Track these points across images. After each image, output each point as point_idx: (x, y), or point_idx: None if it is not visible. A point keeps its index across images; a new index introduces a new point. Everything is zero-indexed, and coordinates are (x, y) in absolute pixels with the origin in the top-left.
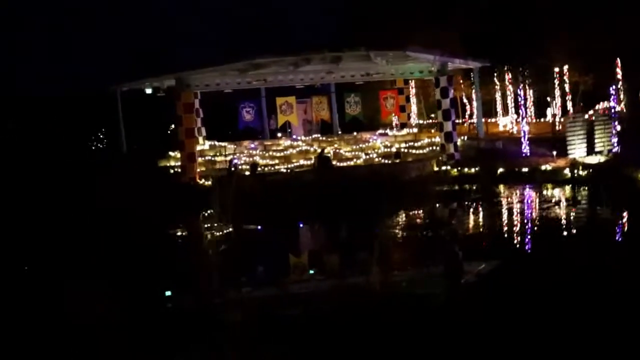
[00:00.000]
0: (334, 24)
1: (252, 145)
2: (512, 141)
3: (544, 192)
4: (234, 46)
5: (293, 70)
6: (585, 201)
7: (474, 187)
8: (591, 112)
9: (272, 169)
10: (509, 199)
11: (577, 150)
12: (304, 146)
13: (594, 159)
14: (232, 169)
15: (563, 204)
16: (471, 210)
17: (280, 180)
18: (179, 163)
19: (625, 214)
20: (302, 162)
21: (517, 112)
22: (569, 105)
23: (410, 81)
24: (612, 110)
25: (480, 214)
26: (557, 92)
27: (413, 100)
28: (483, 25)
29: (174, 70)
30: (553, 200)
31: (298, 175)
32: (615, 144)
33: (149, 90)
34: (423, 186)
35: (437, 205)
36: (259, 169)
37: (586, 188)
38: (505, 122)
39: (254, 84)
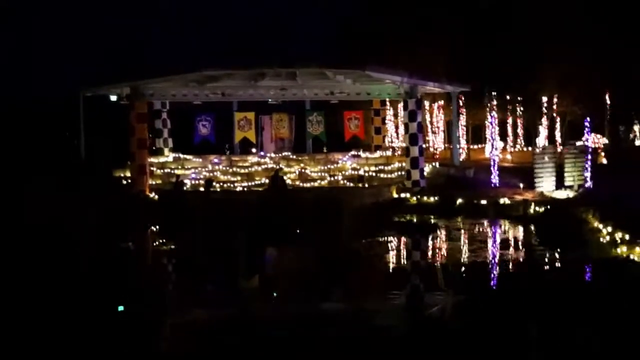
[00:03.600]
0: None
1: (216, 160)
2: (486, 170)
3: (489, 229)
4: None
5: (253, 84)
6: (521, 241)
7: (422, 219)
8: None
9: (232, 186)
10: (450, 234)
11: (545, 183)
12: (270, 164)
13: (562, 194)
14: (179, 185)
15: (497, 242)
16: (396, 245)
17: (228, 200)
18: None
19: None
20: (264, 180)
21: (502, 140)
22: (557, 134)
23: (387, 102)
24: (586, 144)
25: (401, 250)
26: (545, 121)
27: (391, 122)
28: (474, 49)
29: (129, 78)
30: (491, 238)
31: (248, 196)
32: (588, 179)
33: (113, 97)
34: (372, 215)
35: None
36: (217, 185)
37: (534, 227)
38: (493, 149)
39: (211, 97)
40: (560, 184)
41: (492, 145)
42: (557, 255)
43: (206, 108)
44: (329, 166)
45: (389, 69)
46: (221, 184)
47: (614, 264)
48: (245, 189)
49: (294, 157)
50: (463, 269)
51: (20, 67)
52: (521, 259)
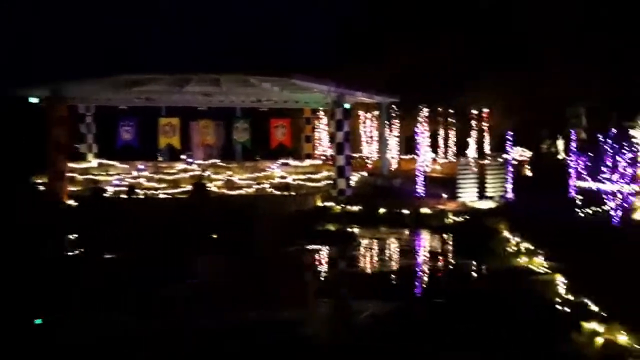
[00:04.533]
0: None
1: (142, 167)
2: (414, 180)
3: (407, 238)
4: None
5: (178, 90)
6: (436, 250)
7: (345, 228)
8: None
9: (156, 193)
10: (369, 244)
11: (467, 194)
12: (198, 171)
13: (483, 204)
14: (97, 191)
15: (414, 252)
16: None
17: (149, 207)
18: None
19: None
20: (190, 187)
21: (434, 151)
22: (487, 147)
23: (318, 111)
24: (507, 156)
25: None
26: (475, 134)
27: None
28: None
29: (48, 80)
30: (408, 248)
31: (170, 203)
32: (509, 190)
33: (34, 100)
34: (295, 223)
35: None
36: (140, 192)
37: (450, 236)
38: (422, 160)
39: (135, 102)
40: (482, 195)
41: (419, 155)
42: (466, 264)
43: (133, 112)
44: (257, 174)
45: (316, 78)
46: (145, 191)
47: (513, 273)
48: (170, 196)
49: (223, 164)
50: (379, 277)
51: None
52: (435, 268)
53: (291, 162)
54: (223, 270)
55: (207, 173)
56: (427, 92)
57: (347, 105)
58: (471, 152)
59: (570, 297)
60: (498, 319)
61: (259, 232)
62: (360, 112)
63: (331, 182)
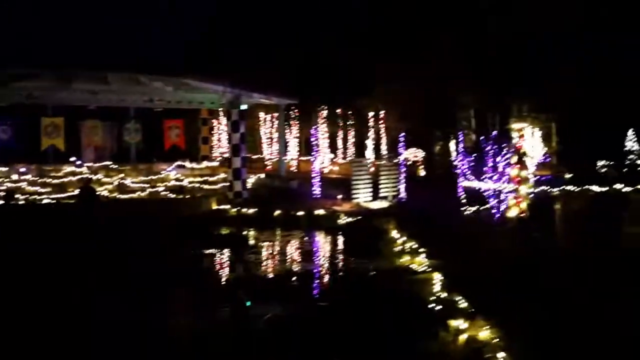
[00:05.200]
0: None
1: (24, 169)
2: (311, 181)
3: (300, 240)
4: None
5: (64, 88)
6: (327, 251)
7: (240, 230)
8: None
9: (39, 198)
10: (263, 246)
11: (362, 195)
12: (87, 174)
13: (377, 204)
14: None
15: (306, 253)
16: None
17: (30, 213)
18: None
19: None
20: (77, 191)
21: (333, 152)
22: (384, 148)
23: (217, 112)
24: (400, 158)
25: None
26: (372, 135)
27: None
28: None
29: None
30: (300, 249)
31: (55, 208)
32: (402, 191)
33: None
34: (189, 227)
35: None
36: (21, 197)
37: (341, 237)
38: (321, 161)
39: (15, 99)
40: (376, 195)
41: (315, 157)
42: (352, 265)
43: (12, 111)
44: (151, 177)
45: (210, 77)
46: (27, 196)
47: (395, 273)
48: (55, 201)
49: (115, 166)
50: (272, 281)
51: None
52: (322, 270)
53: (187, 164)
54: (113, 279)
55: (97, 176)
56: (326, 94)
57: (244, 107)
58: (369, 153)
59: (444, 295)
60: (373, 320)
61: (151, 238)
62: (261, 114)
63: (228, 184)
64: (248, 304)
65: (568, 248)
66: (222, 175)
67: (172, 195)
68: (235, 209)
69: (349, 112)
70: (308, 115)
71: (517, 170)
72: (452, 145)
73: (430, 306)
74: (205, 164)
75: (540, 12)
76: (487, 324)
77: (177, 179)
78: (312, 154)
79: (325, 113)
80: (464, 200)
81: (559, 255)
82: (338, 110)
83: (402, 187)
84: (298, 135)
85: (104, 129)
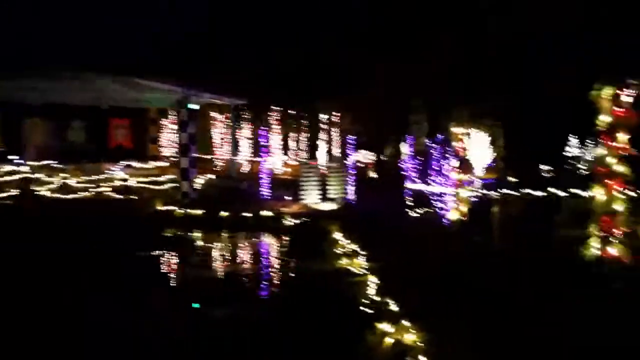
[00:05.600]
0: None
1: None
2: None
3: (247, 242)
4: None
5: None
6: (272, 253)
7: (185, 232)
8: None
9: None
10: (208, 249)
11: (310, 196)
12: (28, 173)
13: (326, 206)
14: None
15: (251, 255)
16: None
17: None
18: None
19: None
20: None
21: (285, 153)
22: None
23: (167, 111)
24: (349, 160)
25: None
26: (325, 137)
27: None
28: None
29: None
30: (245, 251)
31: None
32: (351, 192)
33: None
34: (134, 228)
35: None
36: None
37: (287, 238)
38: (272, 162)
39: None
40: (325, 197)
41: (265, 158)
42: (294, 267)
43: None
44: (96, 177)
45: (157, 76)
46: None
47: (334, 275)
48: None
49: (59, 166)
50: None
51: None
52: (267, 271)
53: (134, 164)
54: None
55: (38, 175)
56: (279, 95)
57: (194, 106)
58: (321, 154)
59: (377, 298)
60: (303, 323)
61: (92, 239)
62: (214, 114)
63: (176, 185)
64: (195, 305)
65: (505, 250)
66: (171, 176)
67: (118, 196)
68: (182, 210)
69: (303, 114)
70: (260, 115)
71: (457, 173)
72: (403, 147)
73: (362, 309)
74: (153, 164)
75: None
76: (415, 328)
77: (123, 179)
78: (261, 154)
79: (277, 114)
80: (410, 203)
81: (496, 257)
82: (291, 111)
83: (350, 189)
84: (251, 136)
85: (47, 127)
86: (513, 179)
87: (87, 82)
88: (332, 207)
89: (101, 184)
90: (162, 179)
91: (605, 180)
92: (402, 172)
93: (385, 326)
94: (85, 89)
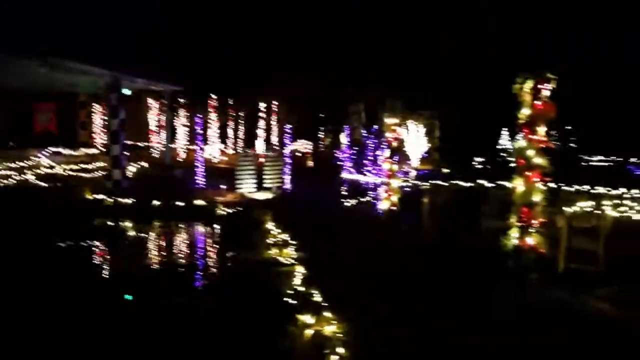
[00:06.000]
0: None
1: None
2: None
3: (180, 232)
4: None
5: None
6: (203, 243)
7: (115, 222)
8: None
9: None
10: (139, 239)
11: (246, 185)
12: None
13: (261, 195)
14: None
15: (183, 246)
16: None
17: None
18: None
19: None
20: None
21: (223, 142)
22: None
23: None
24: (286, 149)
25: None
26: (264, 126)
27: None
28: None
29: None
30: (178, 241)
31: None
32: (287, 182)
33: None
34: (61, 218)
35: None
36: None
37: (220, 228)
38: (211, 151)
39: None
40: (261, 186)
41: (200, 146)
42: (224, 257)
43: None
44: (20, 164)
45: (86, 59)
46: None
47: (262, 265)
48: None
49: None
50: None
51: None
52: (195, 261)
53: (63, 150)
54: None
55: None
56: (217, 83)
57: (126, 91)
58: (259, 143)
59: (302, 289)
60: (227, 316)
61: (15, 231)
62: (150, 100)
63: (107, 173)
64: (127, 297)
65: (431, 240)
66: (102, 164)
67: (44, 184)
68: (112, 199)
69: (241, 103)
70: (200, 103)
71: (389, 164)
72: (342, 138)
73: (287, 300)
74: (83, 151)
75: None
76: (336, 318)
77: (49, 167)
78: (197, 143)
79: (215, 102)
80: (345, 193)
81: (421, 246)
82: (229, 100)
83: (287, 178)
84: (188, 123)
85: None
86: (446, 170)
87: (11, 64)
88: (268, 196)
89: (26, 172)
90: (91, 166)
91: (525, 172)
92: (339, 162)
93: (307, 317)
94: (10, 72)
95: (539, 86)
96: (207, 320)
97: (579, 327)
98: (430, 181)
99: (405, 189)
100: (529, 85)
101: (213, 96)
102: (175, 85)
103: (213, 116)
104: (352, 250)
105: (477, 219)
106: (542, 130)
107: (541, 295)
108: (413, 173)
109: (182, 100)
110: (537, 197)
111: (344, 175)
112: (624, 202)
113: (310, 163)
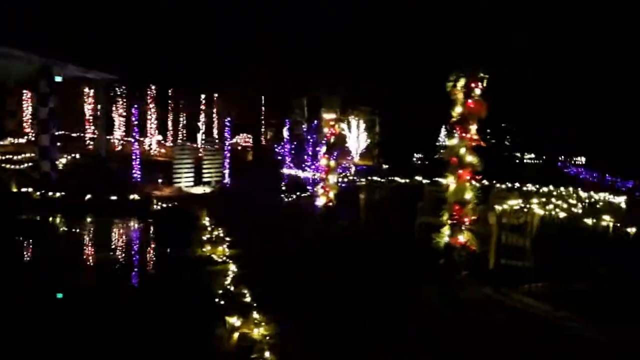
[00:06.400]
0: None
1: None
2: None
3: (112, 228)
4: None
5: None
6: (135, 240)
7: (44, 217)
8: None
9: None
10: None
11: (184, 179)
12: None
13: (199, 189)
14: None
15: (115, 242)
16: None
17: None
18: None
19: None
20: None
21: (162, 134)
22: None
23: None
24: (225, 143)
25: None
26: (205, 119)
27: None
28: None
29: None
30: (110, 237)
31: None
32: (226, 176)
33: None
34: None
35: None
36: None
37: (153, 224)
38: (149, 143)
39: None
40: (199, 180)
41: (136, 138)
42: (158, 254)
43: None
44: None
45: (14, 43)
46: None
47: (194, 263)
48: None
49: None
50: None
51: None
52: (127, 259)
53: None
54: None
55: None
56: (158, 73)
57: (58, 78)
58: (199, 137)
59: (232, 288)
60: (152, 319)
61: None
62: (86, 90)
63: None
64: (59, 295)
65: (365, 236)
66: (29, 155)
67: None
68: (39, 193)
69: (181, 94)
70: (136, 94)
71: (326, 159)
72: (284, 132)
73: (216, 300)
74: (10, 140)
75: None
76: (265, 319)
77: None
78: (133, 134)
79: (154, 93)
80: (284, 188)
81: (359, 243)
82: (170, 91)
83: (226, 172)
84: (125, 114)
85: None
86: (386, 166)
87: None
88: (206, 190)
89: None
90: (18, 157)
91: (457, 170)
92: (279, 157)
93: (235, 319)
94: None
95: (472, 85)
96: (126, 324)
97: (501, 322)
98: (368, 177)
99: (343, 185)
100: (461, 83)
101: (152, 87)
102: (111, 74)
103: (152, 107)
104: (286, 246)
105: (413, 215)
106: (473, 128)
107: (468, 292)
108: (353, 168)
109: (119, 90)
110: (468, 195)
111: (284, 170)
112: (552, 199)
113: (250, 157)
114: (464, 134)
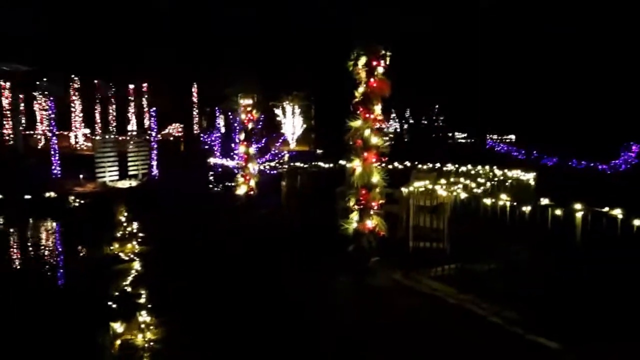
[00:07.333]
0: None
1: None
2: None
3: (27, 228)
4: None
5: None
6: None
7: None
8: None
9: None
10: None
11: (107, 173)
12: None
13: (125, 183)
14: None
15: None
16: None
17: None
18: None
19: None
20: None
21: (90, 127)
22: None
23: None
24: (152, 135)
25: None
26: (135, 110)
27: None
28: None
29: None
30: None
31: None
32: (153, 168)
33: None
34: None
35: None
36: None
37: (72, 222)
38: (71, 136)
39: None
40: (124, 174)
41: (53, 132)
42: (66, 254)
43: None
44: None
45: None
46: None
47: (102, 262)
48: None
49: None
50: None
51: None
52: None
53: None
54: None
55: None
56: (81, 63)
57: None
58: (129, 128)
59: (129, 289)
60: (38, 326)
61: None
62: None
63: None
64: None
65: (290, 223)
66: None
67: None
68: None
69: (110, 85)
70: (56, 85)
71: (244, 147)
72: (215, 122)
73: (108, 304)
74: None
75: None
76: (156, 323)
77: None
78: (51, 129)
79: (76, 84)
80: (212, 178)
81: (278, 231)
82: (96, 81)
83: (154, 164)
84: (46, 107)
85: None
86: (320, 151)
87: None
88: (132, 184)
89: None
90: None
91: (363, 153)
92: (207, 147)
93: (119, 325)
94: None
95: (373, 63)
96: (12, 332)
97: (408, 307)
98: (291, 163)
99: (272, 172)
100: (362, 62)
101: (75, 78)
102: (27, 65)
103: (76, 100)
104: (202, 240)
105: (335, 200)
106: (378, 108)
107: (378, 278)
108: (287, 155)
109: (38, 82)
110: (375, 179)
111: (213, 160)
112: (469, 179)
113: (183, 148)
114: (367, 115)
